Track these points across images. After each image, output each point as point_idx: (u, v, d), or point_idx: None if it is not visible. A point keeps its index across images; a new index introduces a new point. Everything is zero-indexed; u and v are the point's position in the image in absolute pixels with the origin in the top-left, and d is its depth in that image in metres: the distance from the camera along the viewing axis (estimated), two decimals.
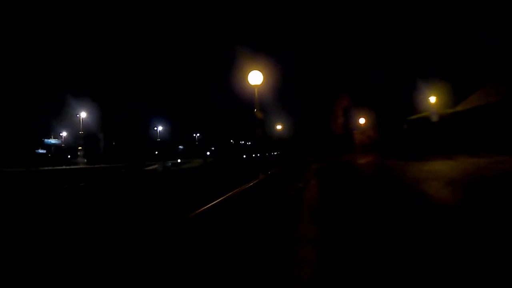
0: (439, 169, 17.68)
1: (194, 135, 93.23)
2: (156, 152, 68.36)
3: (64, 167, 54.43)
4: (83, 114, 59.28)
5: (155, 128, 75.30)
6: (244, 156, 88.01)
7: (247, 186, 12.41)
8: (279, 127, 75.32)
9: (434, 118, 32.19)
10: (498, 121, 25.09)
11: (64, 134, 77.99)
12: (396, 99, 43.23)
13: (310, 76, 54.67)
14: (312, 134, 60.91)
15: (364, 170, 24.51)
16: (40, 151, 78.40)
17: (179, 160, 50.94)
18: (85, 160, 78.39)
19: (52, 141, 76.37)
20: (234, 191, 10.69)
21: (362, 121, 50.82)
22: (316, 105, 55.11)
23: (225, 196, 9.58)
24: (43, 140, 75.07)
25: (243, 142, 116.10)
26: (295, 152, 70.38)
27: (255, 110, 16.99)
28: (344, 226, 7.32)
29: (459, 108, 33.12)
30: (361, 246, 5.86)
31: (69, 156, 78.66)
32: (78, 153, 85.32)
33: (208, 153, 76.21)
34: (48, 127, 74.19)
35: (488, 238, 5.74)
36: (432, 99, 34.25)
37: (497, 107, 26.27)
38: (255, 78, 16.87)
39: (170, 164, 47.80)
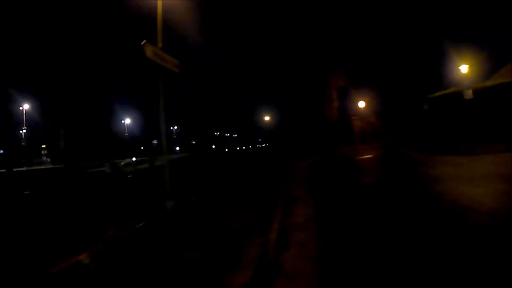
0: None
1: (172, 128, 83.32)
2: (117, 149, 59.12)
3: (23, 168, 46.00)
4: (26, 106, 49.65)
5: (122, 121, 65.49)
6: (226, 150, 78.70)
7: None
8: (267, 118, 67.47)
9: (468, 95, 23.08)
10: None
11: (24, 131, 68.35)
12: (409, 72, 33.70)
13: (296, 48, 44.66)
14: (302, 122, 51.30)
15: (376, 174, 15.06)
16: None
17: (134, 159, 41.33)
18: (49, 160, 69.65)
19: None
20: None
21: (362, 104, 41.50)
22: (306, 85, 45.24)
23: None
24: None
25: (228, 134, 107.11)
26: (283, 144, 61.62)
27: (144, 43, 8.08)
28: None
29: (499, 79, 24.03)
30: None
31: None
32: (42, 151, 76.23)
33: (177, 148, 66.69)
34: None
35: None
36: (464, 69, 24.93)
37: None
38: None
39: (122, 164, 38.17)
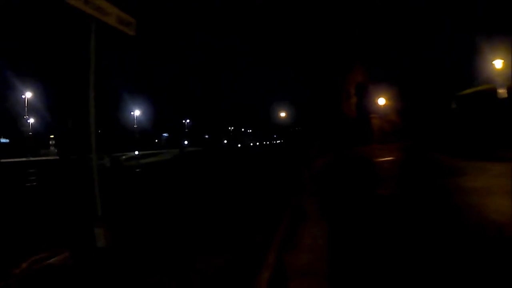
0: None
1: (184, 121, 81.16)
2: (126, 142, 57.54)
3: (22, 159, 44.68)
4: (28, 95, 48.32)
5: (132, 113, 63.63)
6: (239, 145, 76.72)
7: None
8: (282, 114, 66.28)
9: (502, 93, 20.74)
10: None
11: (31, 120, 67.17)
12: (436, 67, 31.08)
13: (314, 41, 42.06)
14: (318, 119, 48.72)
15: (401, 183, 12.76)
16: (3, 140, 68.10)
17: (136, 152, 39.59)
18: (57, 150, 68.95)
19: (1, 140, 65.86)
20: None
21: (381, 101, 38.98)
22: (323, 80, 42.63)
23: None
24: None
25: (243, 129, 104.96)
26: (298, 141, 59.40)
27: None
28: None
29: None
30: None
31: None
32: (50, 142, 75.44)
33: (186, 142, 64.90)
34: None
35: None
36: (498, 64, 22.43)
37: None
38: None
39: (124, 157, 36.62)
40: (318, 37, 39.43)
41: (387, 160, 20.81)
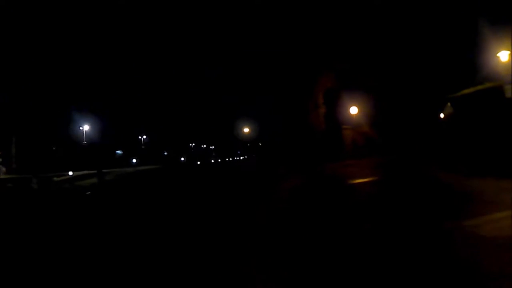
0: None
1: (140, 137, 75.67)
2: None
3: None
4: None
5: (80, 128, 58.09)
6: (199, 162, 72.22)
7: None
8: (246, 130, 63.68)
9: (510, 91, 16.79)
10: None
11: None
12: (422, 63, 26.69)
13: (277, 43, 37.55)
14: (284, 132, 44.44)
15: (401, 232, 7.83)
16: None
17: (70, 173, 35.37)
18: (4, 169, 64.56)
19: None
20: None
21: (354, 110, 34.63)
22: (288, 88, 38.09)
23: None
24: None
25: (205, 146, 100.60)
26: (262, 159, 55.52)
27: None
28: None
29: None
30: None
31: None
32: None
33: (134, 160, 60.30)
34: None
35: None
36: (504, 56, 18.58)
37: None
38: None
39: (56, 179, 32.63)
40: (281, 37, 34.93)
41: (367, 181, 16.07)
